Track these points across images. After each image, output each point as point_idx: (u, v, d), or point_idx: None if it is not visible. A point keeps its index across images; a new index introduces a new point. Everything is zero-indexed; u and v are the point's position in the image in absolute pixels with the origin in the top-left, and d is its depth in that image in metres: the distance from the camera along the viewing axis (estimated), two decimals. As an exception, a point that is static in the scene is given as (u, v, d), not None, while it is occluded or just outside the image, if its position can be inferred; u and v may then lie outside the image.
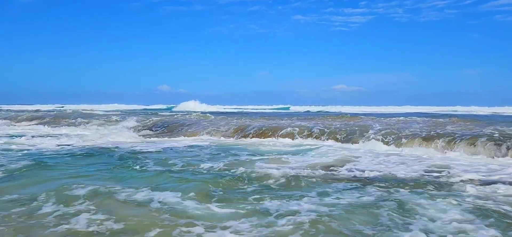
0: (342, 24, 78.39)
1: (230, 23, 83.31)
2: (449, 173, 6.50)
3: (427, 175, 6.36)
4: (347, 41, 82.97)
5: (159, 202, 4.41)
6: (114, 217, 3.87)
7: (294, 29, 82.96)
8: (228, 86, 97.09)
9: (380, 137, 11.10)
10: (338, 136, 11.93)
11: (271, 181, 5.69)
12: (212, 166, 6.89)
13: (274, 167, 6.82)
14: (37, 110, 33.42)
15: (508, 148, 8.88)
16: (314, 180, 5.81)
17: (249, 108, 55.89)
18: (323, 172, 6.49)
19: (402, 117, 18.67)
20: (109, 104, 62.55)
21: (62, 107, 54.25)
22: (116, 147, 9.84)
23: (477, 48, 77.38)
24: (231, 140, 12.27)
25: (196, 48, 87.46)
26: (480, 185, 5.68)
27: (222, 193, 4.95)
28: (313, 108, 52.80)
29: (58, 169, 6.59)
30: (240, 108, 51.70)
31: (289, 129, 13.14)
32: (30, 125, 19.92)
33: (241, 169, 6.58)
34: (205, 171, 6.46)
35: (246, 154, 8.58)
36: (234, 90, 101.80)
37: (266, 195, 4.83)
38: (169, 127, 16.36)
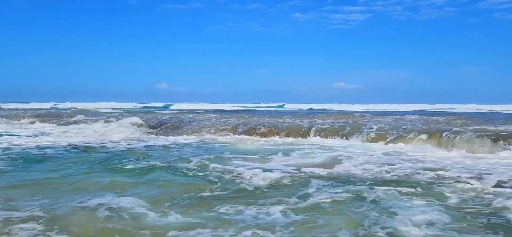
0: (341, 22, 78.08)
1: (229, 21, 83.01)
2: (435, 171, 6.27)
3: (414, 173, 6.10)
4: (346, 39, 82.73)
5: (117, 209, 4.05)
6: (57, 227, 3.53)
7: (293, 27, 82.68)
8: (227, 84, 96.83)
9: (371, 135, 10.88)
10: (327, 135, 11.70)
11: (248, 184, 5.35)
12: (192, 167, 6.56)
13: (255, 167, 6.52)
14: (36, 109, 33.25)
15: (498, 146, 8.68)
16: (294, 182, 5.51)
17: (249, 106, 55.61)
18: (306, 172, 6.20)
19: (398, 115, 18.49)
20: (107, 102, 62.28)
21: (55, 105, 54.04)
22: (103, 146, 9.63)
23: (476, 46, 77.11)
24: (222, 139, 11.99)
25: (195, 46, 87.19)
26: (465, 183, 5.46)
27: (188, 200, 4.52)
28: (313, 106, 52.56)
29: (31, 170, 6.33)
30: (234, 107, 51.37)
31: (280, 127, 12.92)
32: (26, 123, 19.69)
33: (220, 171, 6.26)
34: (183, 172, 6.10)
35: (231, 154, 8.27)
36: (233, 88, 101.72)
37: (240, 200, 4.49)
38: (165, 126, 16.11)
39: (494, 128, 10.27)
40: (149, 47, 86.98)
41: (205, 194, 4.79)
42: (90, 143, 10.27)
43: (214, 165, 6.73)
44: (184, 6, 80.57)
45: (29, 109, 31.23)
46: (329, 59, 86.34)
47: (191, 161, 7.14)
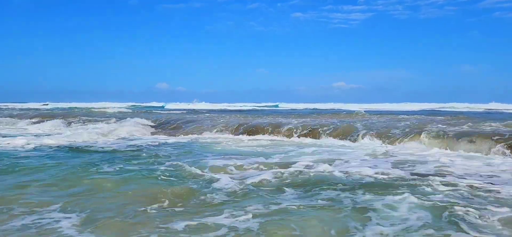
0: (342, 21, 77.53)
1: (229, 20, 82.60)
2: (418, 171, 6.10)
3: (396, 174, 5.86)
4: (346, 39, 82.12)
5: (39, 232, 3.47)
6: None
7: (293, 27, 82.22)
8: (226, 83, 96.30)
9: (360, 135, 10.55)
10: (316, 135, 11.38)
11: (218, 191, 4.92)
12: (163, 171, 6.13)
13: (232, 171, 6.16)
14: (35, 109, 33.09)
15: (487, 145, 8.38)
16: (271, 186, 5.08)
17: (241, 105, 55.14)
18: (285, 175, 5.76)
19: (395, 115, 18.15)
20: (105, 102, 62.02)
21: (47, 104, 53.83)
22: (88, 146, 9.41)
23: (476, 45, 76.48)
24: (208, 139, 11.62)
25: (195, 46, 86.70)
26: (444, 184, 5.23)
27: (139, 214, 3.95)
28: (315, 106, 52.21)
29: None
30: (229, 107, 50.79)
31: (267, 127, 12.61)
32: (21, 123, 19.46)
33: (192, 175, 5.84)
34: (150, 177, 5.71)
35: (212, 155, 7.86)
36: (233, 88, 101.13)
37: (204, 212, 4.05)
38: (158, 126, 15.79)
39: (489, 128, 9.92)
40: (149, 46, 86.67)
41: (160, 206, 4.24)
42: (77, 144, 9.99)
43: (189, 169, 6.32)
44: (183, 6, 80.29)
45: (26, 109, 31.05)
46: (329, 58, 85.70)
47: (164, 164, 6.76)
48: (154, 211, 4.08)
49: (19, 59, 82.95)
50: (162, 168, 6.47)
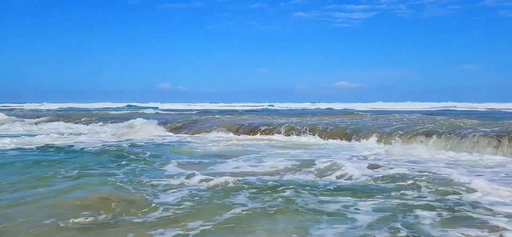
0: (344, 21, 77.21)
1: (230, 20, 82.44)
2: (392, 173, 5.76)
3: (369, 176, 5.52)
4: (349, 38, 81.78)
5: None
6: None
7: (293, 27, 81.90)
8: (228, 83, 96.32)
9: (343, 134, 10.13)
10: (298, 134, 10.98)
11: (171, 199, 4.42)
12: (114, 178, 5.68)
13: (195, 175, 5.66)
14: (35, 109, 32.92)
15: (477, 145, 7.96)
16: (230, 191, 4.55)
17: (251, 106, 54.82)
18: (253, 177, 5.31)
19: (390, 114, 17.71)
20: (103, 102, 61.93)
21: (41, 105, 53.77)
22: (66, 147, 8.98)
23: (478, 44, 75.80)
24: (193, 139, 11.21)
25: (196, 46, 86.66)
26: (418, 187, 4.90)
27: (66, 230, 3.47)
28: (313, 105, 51.79)
29: None
30: (223, 107, 50.44)
31: (250, 128, 12.21)
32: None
33: (144, 182, 5.35)
34: (97, 184, 5.21)
35: (184, 157, 7.45)
36: (234, 88, 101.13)
37: (139, 228, 3.53)
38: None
39: (483, 128, 9.42)
40: (150, 46, 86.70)
41: (94, 220, 3.69)
42: (56, 144, 9.67)
43: (147, 176, 5.85)
44: (184, 5, 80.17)
45: (23, 110, 30.84)
46: (332, 58, 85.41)
47: (124, 168, 6.30)
48: (79, 227, 3.53)
49: (18, 59, 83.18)
50: (121, 173, 6.01)
